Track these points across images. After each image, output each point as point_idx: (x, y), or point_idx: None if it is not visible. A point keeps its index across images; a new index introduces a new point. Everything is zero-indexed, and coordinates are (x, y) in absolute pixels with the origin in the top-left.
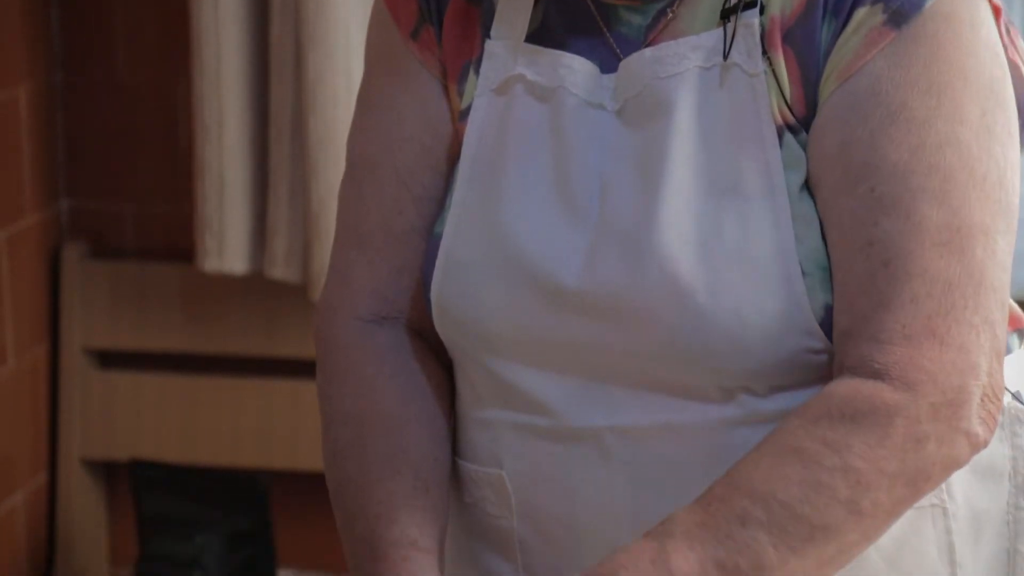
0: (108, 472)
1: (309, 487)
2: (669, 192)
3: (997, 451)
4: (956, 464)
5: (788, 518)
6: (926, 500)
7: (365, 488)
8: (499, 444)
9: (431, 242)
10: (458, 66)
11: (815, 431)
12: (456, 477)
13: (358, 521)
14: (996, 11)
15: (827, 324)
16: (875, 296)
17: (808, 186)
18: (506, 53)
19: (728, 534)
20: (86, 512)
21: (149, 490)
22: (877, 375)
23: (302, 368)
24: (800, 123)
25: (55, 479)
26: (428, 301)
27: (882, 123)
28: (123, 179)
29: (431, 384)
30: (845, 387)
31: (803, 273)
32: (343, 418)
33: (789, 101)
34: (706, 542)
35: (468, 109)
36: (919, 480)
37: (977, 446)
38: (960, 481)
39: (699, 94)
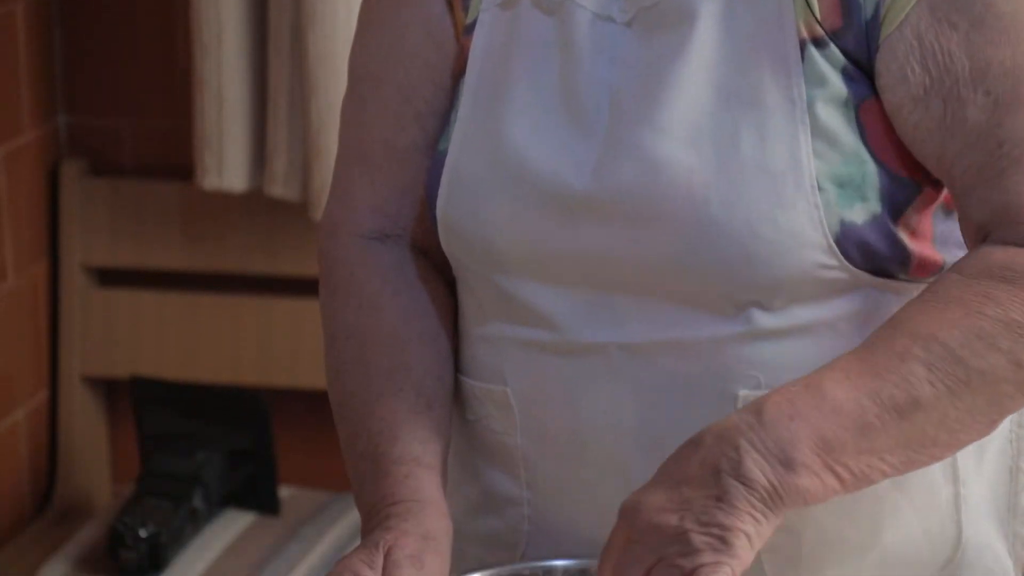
0: (109, 389)
1: (310, 405)
2: (684, 103)
3: None
4: None
5: (948, 359)
6: None
7: (368, 404)
8: (503, 360)
9: (436, 159)
10: None
11: (976, 286)
12: (459, 394)
13: (360, 438)
14: None
15: (842, 241)
16: (1015, 189)
17: (822, 102)
18: None
19: (886, 367)
20: (87, 429)
21: (150, 407)
22: None
23: (302, 286)
24: (831, 36)
25: (56, 396)
26: (433, 219)
27: (973, 27)
28: (122, 96)
29: (434, 302)
30: (1000, 252)
31: (819, 188)
32: (346, 334)
33: (818, 14)
34: (863, 374)
35: (473, 24)
36: None
37: None
38: None
39: (723, 4)
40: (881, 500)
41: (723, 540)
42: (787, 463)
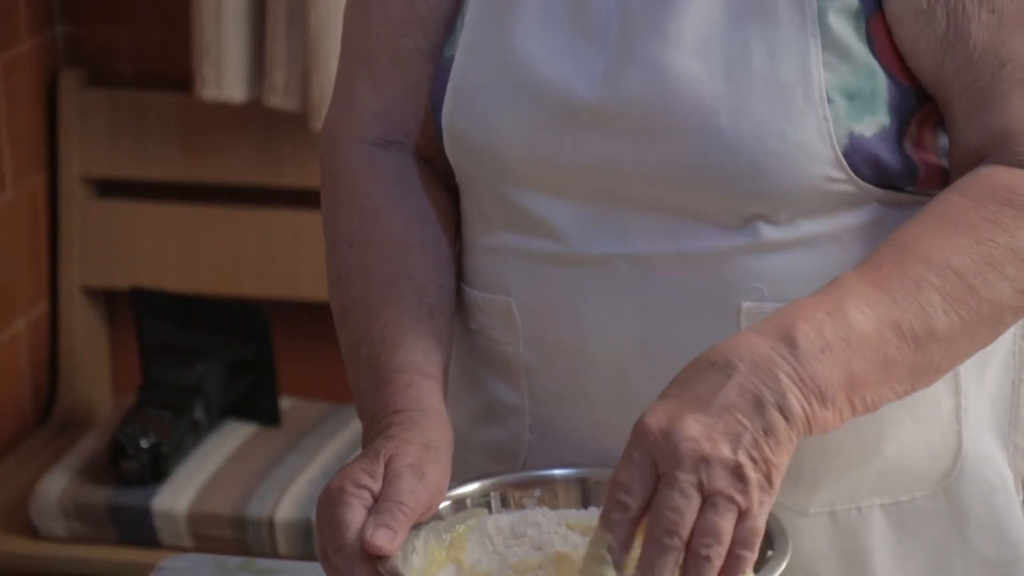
0: (109, 300)
1: (310, 316)
2: (693, 13)
3: None
4: None
5: (962, 288)
6: None
7: (370, 313)
8: (507, 270)
9: (442, 66)
10: None
11: (983, 210)
12: (462, 304)
13: (362, 346)
14: None
15: (850, 153)
16: (1015, 114)
17: (836, 13)
18: None
19: (904, 296)
20: (88, 340)
21: (150, 318)
22: None
23: (302, 197)
24: None
25: (56, 308)
26: (438, 127)
27: None
28: (120, 5)
29: (437, 210)
30: (1001, 174)
31: (828, 100)
32: (348, 241)
33: None
34: (883, 302)
35: None
36: None
37: None
38: None
39: None
40: (882, 412)
41: (768, 478)
42: (821, 399)
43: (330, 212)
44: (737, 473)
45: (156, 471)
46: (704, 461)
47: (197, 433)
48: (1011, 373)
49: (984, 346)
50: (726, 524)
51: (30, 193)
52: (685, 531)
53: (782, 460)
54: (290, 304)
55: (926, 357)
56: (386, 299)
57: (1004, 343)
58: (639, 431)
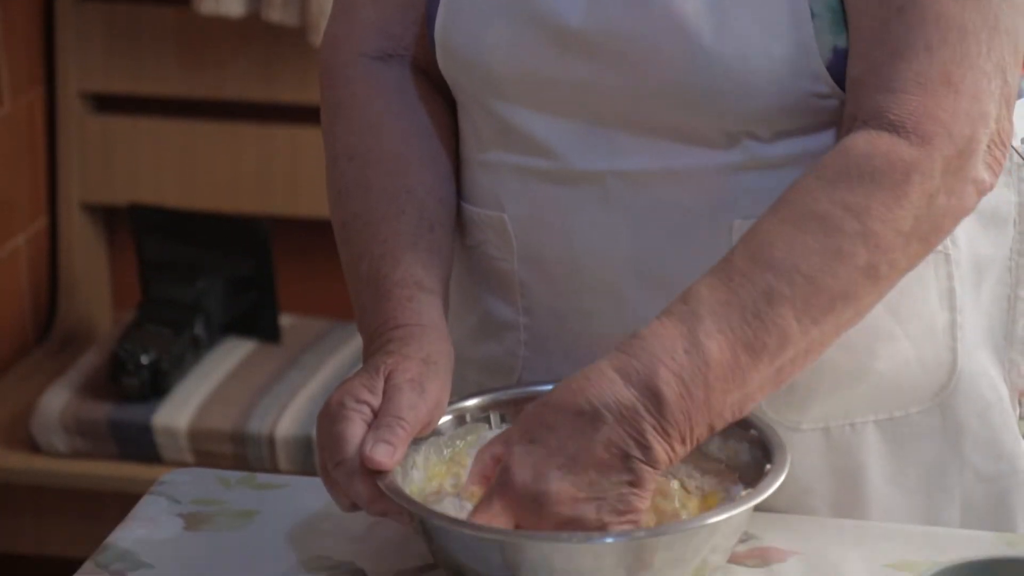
0: (108, 216)
1: (310, 233)
2: None
3: (1002, 197)
4: (964, 213)
5: (812, 291)
6: None
7: (370, 227)
8: (501, 186)
9: None
10: None
11: (834, 194)
12: (460, 221)
13: (362, 261)
14: None
15: (835, 68)
16: (890, 44)
17: None
18: None
19: (755, 313)
20: (87, 256)
21: (149, 235)
22: (893, 127)
23: (301, 113)
24: None
25: (55, 224)
26: (431, 39)
27: None
28: None
29: (436, 124)
30: (862, 142)
31: (812, 15)
32: (348, 154)
33: None
34: (733, 324)
35: None
36: (931, 235)
37: (983, 192)
38: (964, 228)
39: None
40: (875, 327)
41: (634, 521)
42: (683, 439)
43: (329, 126)
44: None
45: (156, 387)
46: (564, 525)
47: (197, 350)
48: (1007, 289)
49: (850, 327)
50: None
51: (27, 108)
52: None
53: (648, 497)
54: (290, 220)
55: (785, 361)
56: (386, 213)
57: (1001, 258)
58: (504, 482)
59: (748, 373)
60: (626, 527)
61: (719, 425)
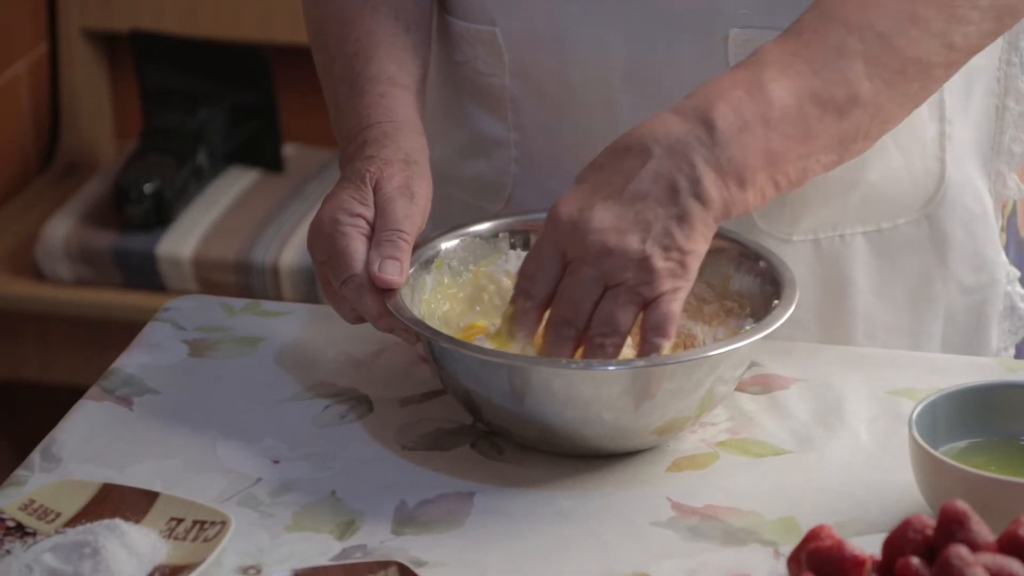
0: (109, 43)
1: (312, 62)
2: None
3: None
4: None
5: (884, 49)
6: None
7: (344, 26)
8: (492, 0)
9: None
10: None
11: None
12: (446, 36)
13: (336, 62)
14: None
15: None
16: None
17: None
18: None
19: (824, 64)
20: (89, 84)
21: (151, 63)
22: None
23: None
24: None
25: (56, 50)
26: None
27: None
28: None
29: None
30: None
31: None
32: None
33: None
34: (802, 73)
35: None
36: (1005, 16)
37: None
38: None
39: None
40: None
41: (682, 264)
42: (740, 181)
43: None
44: (643, 265)
45: (160, 216)
46: (607, 253)
47: (200, 179)
48: (995, 99)
49: (916, 106)
50: (624, 314)
51: None
52: (581, 321)
53: (698, 245)
54: (292, 49)
55: (852, 125)
56: (360, 14)
57: (989, 69)
58: (551, 219)
59: (813, 125)
60: (670, 266)
61: (782, 182)
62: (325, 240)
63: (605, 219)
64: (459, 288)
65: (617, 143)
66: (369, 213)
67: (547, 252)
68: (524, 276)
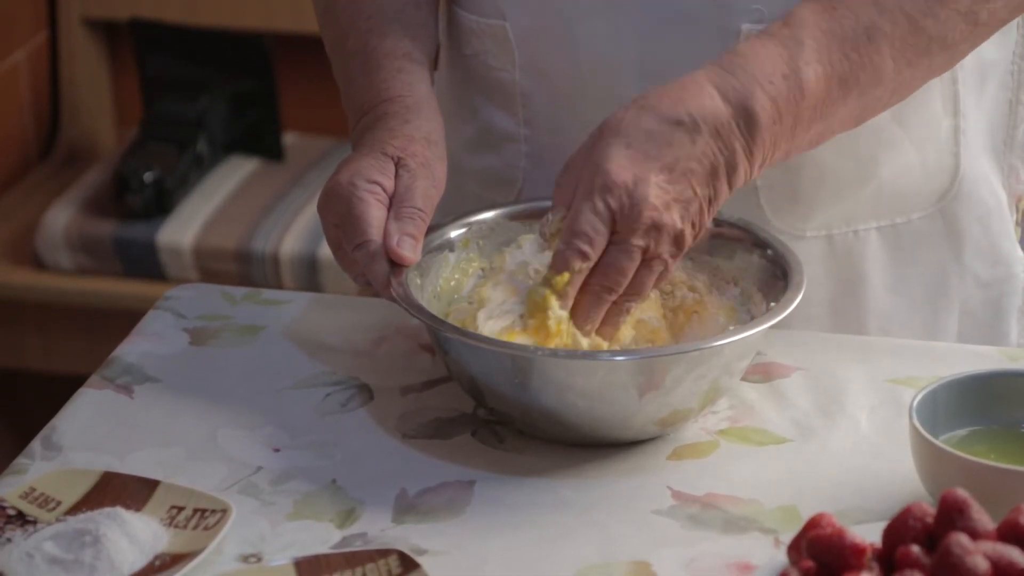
0: (109, 32)
1: (314, 50)
2: None
3: None
4: None
5: (911, 31)
6: None
7: (355, 2)
8: None
9: None
10: None
11: None
12: (456, 29)
13: (349, 36)
14: None
15: None
16: None
17: None
18: None
19: (855, 47)
20: (89, 72)
21: (151, 51)
22: None
23: None
24: None
25: (56, 39)
26: None
27: None
28: None
29: None
30: None
31: None
32: None
33: None
34: (833, 56)
35: None
36: None
37: None
38: None
39: None
40: (879, 133)
41: (694, 239)
42: (761, 166)
43: None
44: (678, 241)
45: (160, 205)
46: (656, 229)
47: (201, 167)
48: (1009, 93)
49: (938, 75)
50: (651, 281)
51: None
52: (622, 288)
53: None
54: (293, 37)
55: (872, 99)
56: None
57: (1002, 63)
58: (606, 182)
59: (836, 106)
60: (691, 242)
61: (794, 154)
62: (341, 202)
63: (659, 196)
64: (486, 270)
65: (665, 111)
66: (388, 183)
67: (603, 216)
68: (579, 236)
